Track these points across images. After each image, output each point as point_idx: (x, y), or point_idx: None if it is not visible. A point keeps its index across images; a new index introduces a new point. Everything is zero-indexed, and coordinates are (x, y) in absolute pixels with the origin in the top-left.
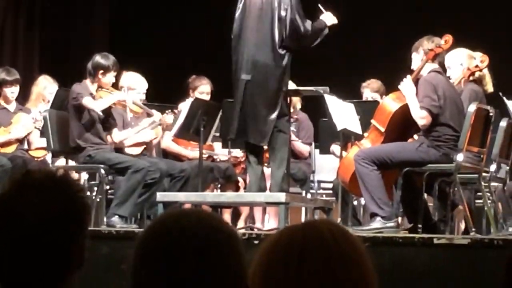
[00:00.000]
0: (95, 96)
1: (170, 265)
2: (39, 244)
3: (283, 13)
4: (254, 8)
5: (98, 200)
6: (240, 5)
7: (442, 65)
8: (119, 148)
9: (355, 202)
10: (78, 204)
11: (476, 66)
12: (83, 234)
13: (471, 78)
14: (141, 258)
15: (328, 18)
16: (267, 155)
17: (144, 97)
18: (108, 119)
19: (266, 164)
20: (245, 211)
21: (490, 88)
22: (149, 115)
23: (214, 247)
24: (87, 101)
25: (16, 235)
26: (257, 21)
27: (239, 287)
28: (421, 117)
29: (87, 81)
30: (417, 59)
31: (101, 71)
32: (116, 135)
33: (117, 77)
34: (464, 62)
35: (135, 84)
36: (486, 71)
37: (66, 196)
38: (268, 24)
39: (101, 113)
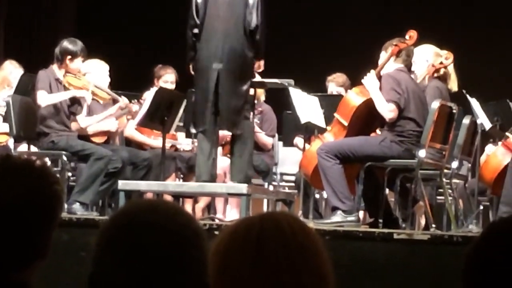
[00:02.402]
0: (62, 81)
1: (132, 257)
2: (7, 227)
3: (250, 1)
4: None
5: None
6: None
7: (409, 68)
8: (83, 136)
9: (316, 195)
10: (52, 195)
11: (441, 63)
12: (52, 225)
13: (435, 74)
14: (103, 247)
15: None
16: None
17: (109, 79)
18: (74, 105)
19: (228, 156)
20: (203, 200)
21: (454, 87)
22: (115, 101)
23: (178, 243)
24: (38, 94)
25: None
26: (226, 9)
27: (200, 285)
28: (389, 110)
29: (54, 66)
30: (384, 57)
31: (69, 57)
32: (82, 120)
33: None
34: (429, 59)
35: (93, 69)
36: (452, 70)
37: (41, 185)
38: (239, 12)
39: (68, 100)
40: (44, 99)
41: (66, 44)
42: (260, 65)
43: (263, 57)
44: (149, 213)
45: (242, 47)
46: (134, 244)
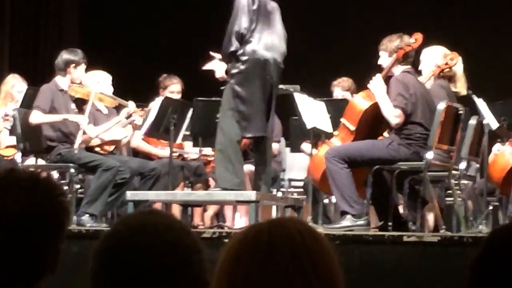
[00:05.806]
0: (66, 91)
1: (125, 281)
2: (13, 242)
3: None
4: (271, 13)
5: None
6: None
7: (413, 64)
8: (90, 147)
9: (325, 200)
10: (58, 207)
11: (446, 63)
12: (59, 238)
13: (441, 75)
14: (97, 271)
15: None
16: None
17: (112, 89)
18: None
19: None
20: (212, 208)
21: (463, 91)
22: (119, 109)
23: (170, 263)
24: (33, 112)
25: None
26: (278, 27)
27: None
28: (395, 116)
29: (57, 78)
30: (385, 56)
31: (73, 65)
32: (91, 130)
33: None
34: (438, 61)
35: (96, 79)
36: (461, 75)
37: (47, 198)
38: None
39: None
40: (36, 118)
41: (66, 54)
42: None
43: None
44: (137, 234)
45: None
46: (125, 268)
